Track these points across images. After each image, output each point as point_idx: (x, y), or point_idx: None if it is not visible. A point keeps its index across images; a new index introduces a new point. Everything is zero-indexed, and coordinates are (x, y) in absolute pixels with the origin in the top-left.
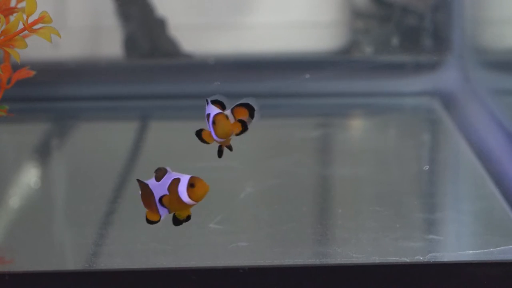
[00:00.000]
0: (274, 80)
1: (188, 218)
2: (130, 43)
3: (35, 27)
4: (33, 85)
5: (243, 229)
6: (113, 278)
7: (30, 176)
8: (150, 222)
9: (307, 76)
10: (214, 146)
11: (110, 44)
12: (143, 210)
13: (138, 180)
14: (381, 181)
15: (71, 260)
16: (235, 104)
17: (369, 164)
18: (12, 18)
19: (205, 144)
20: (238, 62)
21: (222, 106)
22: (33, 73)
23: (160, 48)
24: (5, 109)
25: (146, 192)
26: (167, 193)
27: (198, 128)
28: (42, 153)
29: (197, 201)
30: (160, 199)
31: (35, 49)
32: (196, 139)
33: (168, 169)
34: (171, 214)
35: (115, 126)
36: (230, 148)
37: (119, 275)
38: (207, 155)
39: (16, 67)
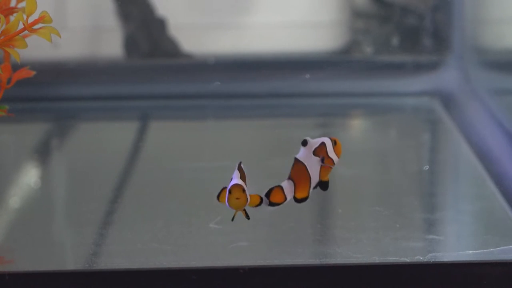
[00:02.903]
0: (274, 80)
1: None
2: (130, 43)
3: (35, 27)
4: (33, 85)
5: (243, 229)
6: (113, 278)
7: (30, 176)
8: (300, 200)
9: (307, 76)
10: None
11: (110, 44)
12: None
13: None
14: (381, 181)
15: (71, 260)
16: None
17: (369, 164)
18: (12, 18)
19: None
20: (238, 62)
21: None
22: (33, 73)
23: (160, 48)
24: (5, 109)
25: (300, 169)
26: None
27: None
28: (42, 153)
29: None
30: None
31: (35, 49)
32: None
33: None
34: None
35: (115, 126)
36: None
37: (119, 275)
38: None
39: (16, 67)
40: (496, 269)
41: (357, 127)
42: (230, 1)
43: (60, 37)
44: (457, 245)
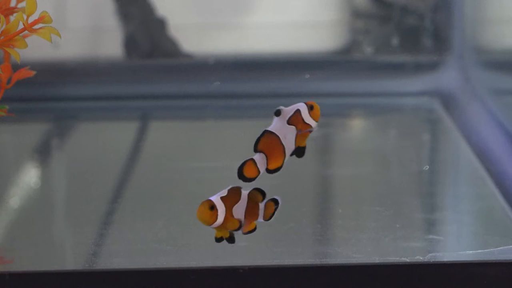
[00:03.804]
0: (274, 80)
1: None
2: (130, 43)
3: (35, 27)
4: (33, 85)
5: None
6: (113, 278)
7: (30, 176)
8: (273, 171)
9: (307, 76)
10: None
11: (110, 44)
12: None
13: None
14: (381, 181)
15: (71, 260)
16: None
17: (369, 164)
18: (12, 18)
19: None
20: (238, 62)
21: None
22: (33, 73)
23: (160, 48)
24: (5, 109)
25: (272, 140)
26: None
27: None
28: (42, 153)
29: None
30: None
31: (35, 49)
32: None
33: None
34: None
35: (115, 126)
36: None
37: (119, 275)
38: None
39: (16, 67)
40: (496, 269)
41: (357, 127)
42: (230, 1)
43: (60, 37)
44: (457, 245)
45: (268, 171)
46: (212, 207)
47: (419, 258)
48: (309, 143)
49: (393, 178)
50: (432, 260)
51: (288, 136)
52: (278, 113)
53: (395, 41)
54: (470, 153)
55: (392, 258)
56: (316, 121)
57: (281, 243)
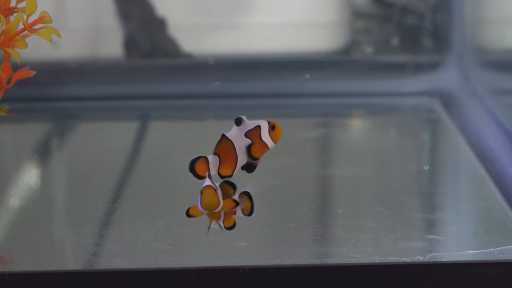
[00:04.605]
0: (274, 80)
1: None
2: (130, 43)
3: (35, 27)
4: (33, 85)
5: (243, 229)
6: (113, 278)
7: (30, 176)
8: (223, 177)
9: (307, 76)
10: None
11: (110, 44)
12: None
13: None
14: (381, 181)
15: (71, 260)
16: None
17: (369, 164)
18: (12, 18)
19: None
20: (238, 62)
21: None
22: (33, 73)
23: (160, 48)
24: (5, 109)
25: (227, 147)
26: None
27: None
28: (42, 153)
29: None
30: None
31: (35, 49)
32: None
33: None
34: None
35: (115, 126)
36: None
37: (119, 275)
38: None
39: (16, 67)
40: (496, 269)
41: (357, 127)
42: (230, 1)
43: (60, 37)
44: (457, 245)
45: (220, 175)
46: (215, 190)
47: (419, 258)
48: (309, 143)
49: (393, 178)
50: (432, 260)
51: (242, 148)
52: (238, 122)
53: (395, 41)
54: (470, 153)
55: (392, 258)
56: (275, 142)
57: (281, 243)
